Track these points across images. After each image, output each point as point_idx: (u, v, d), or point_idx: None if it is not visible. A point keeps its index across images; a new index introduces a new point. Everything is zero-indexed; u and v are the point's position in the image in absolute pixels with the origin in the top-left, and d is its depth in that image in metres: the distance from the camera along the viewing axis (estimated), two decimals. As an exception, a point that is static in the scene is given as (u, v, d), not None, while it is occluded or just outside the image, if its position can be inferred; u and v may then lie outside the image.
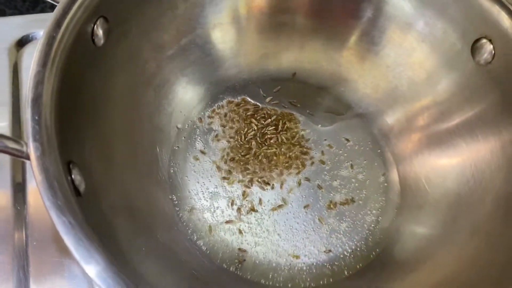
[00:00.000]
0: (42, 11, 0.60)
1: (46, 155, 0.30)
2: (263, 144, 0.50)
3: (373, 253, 0.45)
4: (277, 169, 0.49)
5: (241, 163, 0.49)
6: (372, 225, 0.47)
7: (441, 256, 0.41)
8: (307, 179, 0.49)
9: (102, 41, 0.39)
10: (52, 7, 0.55)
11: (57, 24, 0.34)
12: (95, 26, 0.38)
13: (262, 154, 0.50)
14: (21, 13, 0.60)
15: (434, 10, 0.46)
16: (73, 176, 0.32)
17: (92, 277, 0.27)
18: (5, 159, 0.46)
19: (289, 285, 0.43)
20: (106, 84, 0.40)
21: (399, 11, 0.49)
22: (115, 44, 0.41)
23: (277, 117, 0.52)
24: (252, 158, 0.49)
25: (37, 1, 0.61)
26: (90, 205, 0.33)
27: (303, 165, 0.50)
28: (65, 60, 0.34)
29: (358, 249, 0.45)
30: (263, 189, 0.48)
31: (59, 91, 0.33)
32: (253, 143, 0.50)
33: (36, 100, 0.31)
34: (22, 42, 0.55)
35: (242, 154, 0.50)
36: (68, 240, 0.27)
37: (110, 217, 0.36)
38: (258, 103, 0.53)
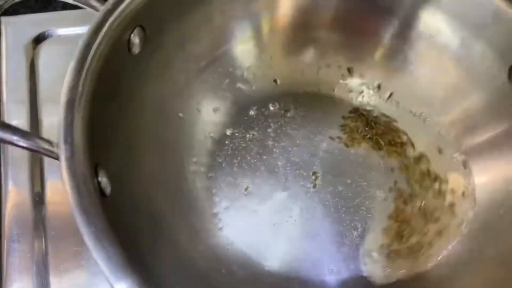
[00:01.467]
0: (55, 10, 0.61)
1: (75, 157, 0.31)
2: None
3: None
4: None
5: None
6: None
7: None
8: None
9: (138, 50, 0.41)
10: (64, 7, 0.57)
11: (96, 30, 0.36)
12: (132, 34, 0.39)
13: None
14: (33, 11, 0.60)
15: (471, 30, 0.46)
16: (99, 179, 0.33)
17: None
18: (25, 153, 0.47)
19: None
20: (138, 92, 0.42)
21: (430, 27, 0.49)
22: (150, 54, 0.42)
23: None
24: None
25: (49, 1, 0.62)
26: (116, 208, 0.34)
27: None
28: (100, 67, 0.35)
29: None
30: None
31: (92, 96, 0.34)
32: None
33: (70, 103, 0.32)
34: (39, 40, 0.56)
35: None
36: (90, 242, 0.28)
37: (134, 221, 0.36)
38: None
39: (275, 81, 0.54)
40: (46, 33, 0.57)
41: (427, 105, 0.51)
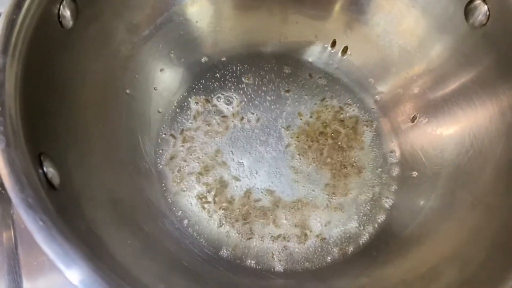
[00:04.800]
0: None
1: (12, 148, 0.27)
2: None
3: (374, 229, 0.44)
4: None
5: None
6: (371, 201, 0.45)
7: (442, 231, 0.40)
8: (303, 154, 0.47)
9: (70, 23, 0.37)
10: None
11: (18, 5, 0.31)
12: (61, 6, 0.35)
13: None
14: None
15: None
16: (45, 169, 0.30)
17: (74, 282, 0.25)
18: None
19: (284, 267, 0.41)
20: (78, 69, 0.38)
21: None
22: (86, 26, 0.38)
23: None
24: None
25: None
26: (67, 199, 0.31)
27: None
28: (29, 45, 0.31)
29: (358, 226, 0.44)
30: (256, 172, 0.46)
31: (23, 78, 0.30)
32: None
33: (-2, 88, 0.28)
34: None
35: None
36: (40, 238, 0.25)
37: (90, 210, 0.33)
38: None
39: (228, 44, 0.51)
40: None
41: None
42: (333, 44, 0.52)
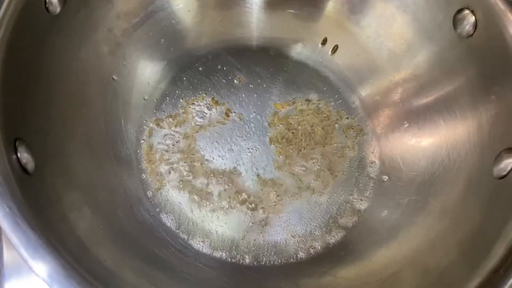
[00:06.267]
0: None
1: (-15, 133, 0.28)
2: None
3: (345, 230, 0.44)
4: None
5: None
6: (345, 202, 0.46)
7: (408, 237, 0.40)
8: (283, 150, 0.48)
9: (58, 9, 0.37)
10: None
11: (2, -10, 0.32)
12: (48, -8, 0.36)
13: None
14: None
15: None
16: (19, 155, 0.30)
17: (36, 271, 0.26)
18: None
19: (251, 260, 0.42)
20: (63, 55, 0.38)
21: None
22: (74, 13, 0.39)
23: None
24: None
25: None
26: (41, 184, 0.32)
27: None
28: (12, 31, 0.32)
29: (330, 225, 0.45)
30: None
31: (4, 64, 0.31)
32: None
33: (-26, 75, 0.29)
34: None
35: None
36: (5, 225, 0.26)
37: (65, 195, 0.34)
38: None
39: (216, 36, 0.51)
40: None
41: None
42: (324, 42, 0.52)
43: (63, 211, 0.33)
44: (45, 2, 0.36)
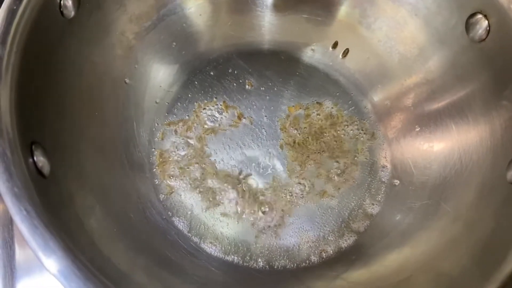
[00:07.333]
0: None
1: (4, 137, 0.28)
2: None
3: (356, 234, 0.44)
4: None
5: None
6: (357, 206, 0.46)
7: (420, 241, 0.40)
8: (295, 153, 0.48)
9: (72, 13, 0.37)
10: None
11: (18, -5, 0.32)
12: (63, -4, 0.36)
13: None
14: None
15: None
16: (35, 158, 0.31)
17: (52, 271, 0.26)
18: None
19: (264, 264, 0.43)
20: (77, 58, 0.39)
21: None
22: (87, 16, 0.39)
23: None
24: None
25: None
26: (56, 187, 0.32)
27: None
28: (28, 35, 0.32)
29: (342, 229, 0.45)
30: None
31: (21, 69, 0.31)
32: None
33: (-6, 79, 0.29)
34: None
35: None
36: (23, 228, 0.27)
37: (79, 197, 0.35)
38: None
39: (227, 40, 0.52)
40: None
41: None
42: (335, 45, 0.52)
43: (76, 214, 0.33)
44: (60, 6, 0.36)
